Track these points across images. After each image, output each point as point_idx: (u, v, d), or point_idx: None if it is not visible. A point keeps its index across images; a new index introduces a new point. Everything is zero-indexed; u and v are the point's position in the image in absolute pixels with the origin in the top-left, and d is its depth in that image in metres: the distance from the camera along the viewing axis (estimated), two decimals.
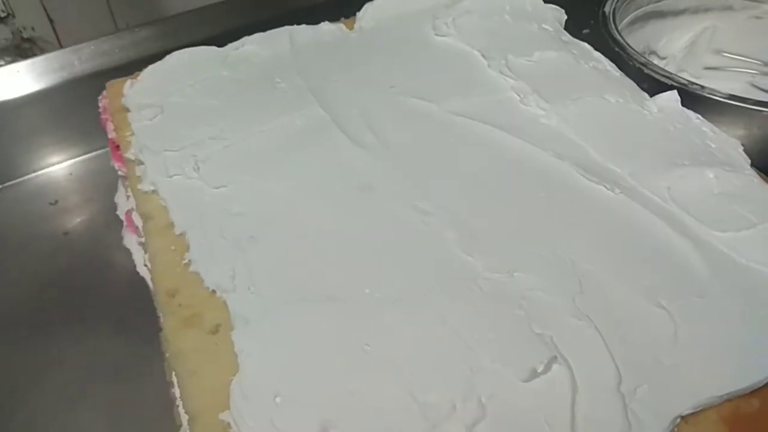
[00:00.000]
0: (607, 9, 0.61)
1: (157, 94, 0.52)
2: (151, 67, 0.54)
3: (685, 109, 0.46)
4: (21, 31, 0.74)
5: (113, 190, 0.57)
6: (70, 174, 0.63)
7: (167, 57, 0.55)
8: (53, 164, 0.63)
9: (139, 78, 0.54)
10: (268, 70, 0.54)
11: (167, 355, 0.36)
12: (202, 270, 0.38)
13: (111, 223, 0.55)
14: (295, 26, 0.59)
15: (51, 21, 0.75)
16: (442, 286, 0.37)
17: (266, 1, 0.74)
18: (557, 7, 0.59)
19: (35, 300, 0.51)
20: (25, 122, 0.65)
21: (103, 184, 0.59)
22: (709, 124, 0.45)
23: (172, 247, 0.40)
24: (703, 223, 0.39)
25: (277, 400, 0.32)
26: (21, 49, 0.75)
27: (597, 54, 0.53)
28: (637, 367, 0.32)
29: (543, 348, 0.33)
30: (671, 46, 0.65)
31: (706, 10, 0.64)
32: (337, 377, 0.32)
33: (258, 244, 0.39)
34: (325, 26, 0.59)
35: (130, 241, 0.51)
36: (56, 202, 0.60)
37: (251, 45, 0.57)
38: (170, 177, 0.44)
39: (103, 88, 0.53)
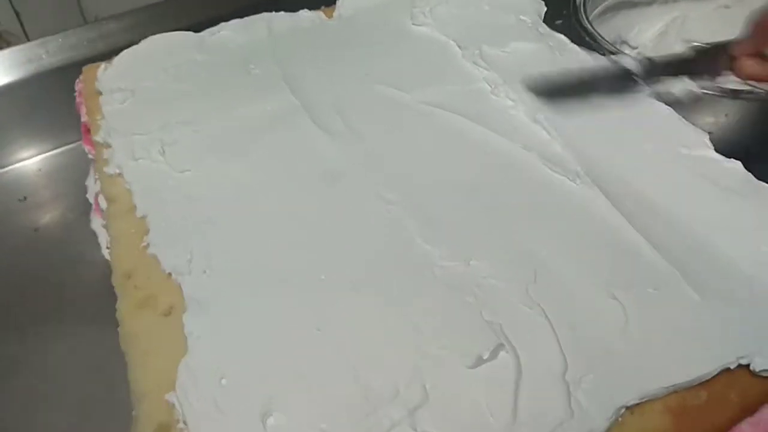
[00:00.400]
0: None
1: (130, 78, 0.52)
2: (125, 52, 0.54)
3: (654, 101, 0.46)
4: None
5: (83, 185, 0.56)
6: (39, 169, 0.61)
7: (142, 41, 0.55)
8: (22, 160, 0.62)
9: (113, 62, 0.54)
10: (243, 56, 0.54)
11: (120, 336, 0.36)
12: (160, 253, 0.38)
13: (82, 218, 0.54)
14: (274, 13, 0.59)
15: (17, 14, 0.74)
16: (398, 274, 0.37)
17: None
18: None
19: (7, 298, 0.50)
20: None
21: (72, 179, 0.57)
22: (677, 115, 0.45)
23: (133, 230, 0.40)
24: (663, 215, 0.39)
25: (223, 381, 0.32)
26: None
27: (573, 46, 0.53)
28: (585, 356, 0.32)
29: (491, 335, 0.33)
30: (642, 35, 0.65)
31: (676, 0, 0.65)
32: (284, 360, 0.33)
33: (216, 228, 0.39)
34: (304, 14, 0.59)
35: (97, 224, 0.51)
36: (25, 198, 0.58)
37: (228, 31, 0.57)
38: (136, 160, 0.44)
39: (72, 81, 0.53)
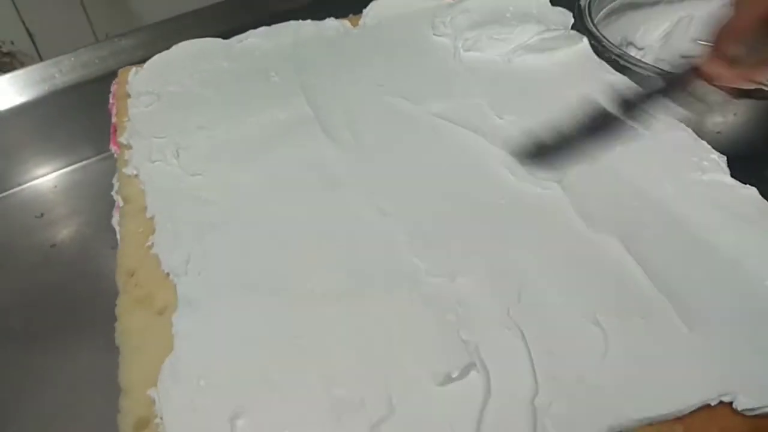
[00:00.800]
0: (582, 2, 0.60)
1: (158, 82, 0.54)
2: (157, 56, 0.57)
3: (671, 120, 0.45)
4: (0, 46, 0.75)
5: (99, 201, 0.55)
6: (55, 186, 0.62)
7: (174, 47, 0.58)
8: (38, 177, 0.62)
9: (144, 66, 0.56)
10: (266, 63, 0.56)
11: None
12: (162, 253, 0.40)
13: (98, 233, 0.55)
14: (301, 21, 0.60)
15: (30, 35, 0.76)
16: (384, 287, 0.37)
17: (248, 6, 0.74)
18: (564, 10, 0.58)
19: (25, 313, 0.50)
20: (7, 136, 0.64)
21: (88, 195, 0.58)
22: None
23: (141, 230, 0.42)
24: (663, 241, 0.38)
25: (201, 383, 0.33)
26: (0, 63, 0.75)
27: (597, 61, 0.52)
28: (558, 382, 0.32)
29: (464, 354, 0.33)
30: (648, 36, 0.64)
31: None
32: (260, 366, 0.34)
33: (217, 232, 0.41)
34: (330, 22, 0.60)
35: (116, 221, 0.53)
36: (42, 215, 0.58)
37: (255, 38, 0.59)
38: (152, 162, 0.47)
39: (85, 98, 0.56)
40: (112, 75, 0.57)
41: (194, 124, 0.50)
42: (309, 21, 0.60)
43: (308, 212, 0.42)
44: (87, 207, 0.58)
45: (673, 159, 0.43)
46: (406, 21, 0.59)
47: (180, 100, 0.52)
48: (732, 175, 0.42)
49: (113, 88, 0.57)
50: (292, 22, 0.60)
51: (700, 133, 0.45)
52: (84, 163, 0.63)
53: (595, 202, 0.41)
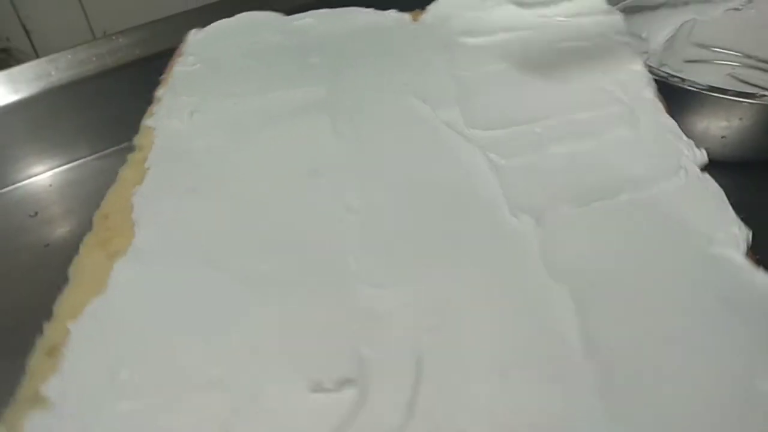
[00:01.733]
0: None
1: (209, 47, 0.57)
2: (218, 22, 0.59)
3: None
4: None
5: (95, 200, 0.54)
6: (50, 185, 0.62)
7: (236, 16, 0.60)
8: (32, 176, 0.63)
9: (206, 29, 0.59)
10: (313, 45, 0.56)
11: None
12: (138, 203, 0.42)
13: None
14: (362, 9, 0.60)
15: (27, 31, 0.76)
16: (314, 283, 0.36)
17: (251, 4, 0.71)
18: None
19: (17, 314, 0.49)
20: (2, 134, 0.63)
21: (84, 195, 0.58)
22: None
23: (133, 177, 0.44)
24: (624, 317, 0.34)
25: (110, 329, 0.34)
26: None
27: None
28: (432, 425, 0.29)
29: (349, 367, 0.31)
30: (651, 40, 0.62)
31: (685, 3, 0.62)
32: (166, 330, 0.34)
33: (192, 197, 0.42)
34: (391, 14, 0.60)
35: None
36: (36, 213, 0.58)
37: (312, 18, 0.59)
38: (170, 119, 0.49)
39: (81, 96, 0.58)
40: (109, 72, 0.59)
41: (223, 91, 0.51)
42: (371, 9, 0.60)
43: (282, 196, 0.42)
44: (82, 206, 0.57)
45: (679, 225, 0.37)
46: (461, 20, 0.57)
47: (220, 67, 0.54)
48: (737, 180, 0.39)
49: (180, 48, 0.58)
50: (353, 8, 0.60)
51: (705, 136, 0.44)
52: (80, 161, 0.63)
53: (569, 250, 0.37)
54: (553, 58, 0.51)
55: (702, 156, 0.40)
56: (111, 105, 0.53)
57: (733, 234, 0.36)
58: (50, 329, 0.35)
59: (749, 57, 0.61)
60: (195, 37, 0.57)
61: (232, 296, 0.36)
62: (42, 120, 0.64)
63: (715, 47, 0.57)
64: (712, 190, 0.38)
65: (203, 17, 0.67)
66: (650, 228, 0.37)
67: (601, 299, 0.34)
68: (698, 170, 0.39)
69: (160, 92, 0.51)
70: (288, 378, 0.31)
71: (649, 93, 0.46)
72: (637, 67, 0.48)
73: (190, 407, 0.31)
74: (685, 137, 0.41)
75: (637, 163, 0.41)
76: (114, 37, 0.69)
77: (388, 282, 0.35)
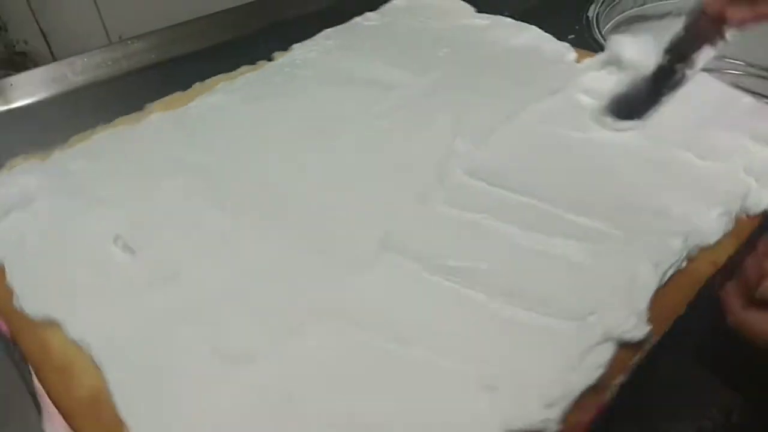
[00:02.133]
0: (590, 13, 0.59)
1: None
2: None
3: None
4: (14, 45, 0.75)
5: None
6: None
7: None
8: None
9: None
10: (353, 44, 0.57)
11: None
12: None
13: None
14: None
15: (44, 34, 0.76)
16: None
17: (264, 10, 0.73)
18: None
19: None
20: (18, 136, 0.61)
21: None
22: None
23: None
24: None
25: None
26: (14, 62, 0.74)
27: None
28: None
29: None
30: (657, 49, 0.64)
31: None
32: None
33: (157, 191, 0.42)
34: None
35: None
36: None
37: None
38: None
39: (96, 99, 0.58)
40: (124, 76, 0.60)
41: None
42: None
43: (234, 194, 0.42)
44: None
45: None
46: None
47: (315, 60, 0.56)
48: None
49: None
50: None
51: None
52: None
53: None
54: None
55: None
56: (126, 108, 0.53)
57: None
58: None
59: (752, 66, 0.62)
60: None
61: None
62: (57, 121, 0.63)
63: (718, 56, 0.58)
64: None
65: (218, 23, 0.68)
66: None
67: None
68: None
69: None
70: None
71: None
72: None
73: None
74: None
75: None
76: (129, 42, 0.69)
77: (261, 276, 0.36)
